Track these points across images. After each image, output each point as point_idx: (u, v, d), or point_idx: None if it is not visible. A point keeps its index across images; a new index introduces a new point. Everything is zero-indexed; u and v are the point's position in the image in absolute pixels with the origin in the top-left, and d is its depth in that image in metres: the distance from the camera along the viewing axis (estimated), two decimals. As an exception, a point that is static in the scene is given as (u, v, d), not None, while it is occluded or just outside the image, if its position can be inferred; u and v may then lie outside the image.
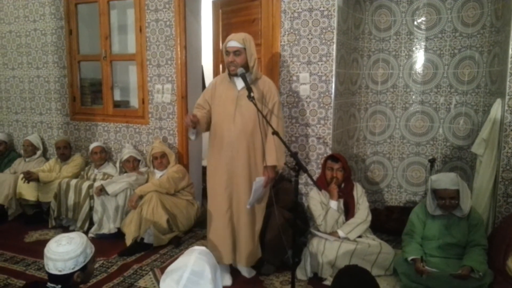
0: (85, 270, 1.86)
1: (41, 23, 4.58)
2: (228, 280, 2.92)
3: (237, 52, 2.71)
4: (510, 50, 2.98)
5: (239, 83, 2.79)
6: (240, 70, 2.67)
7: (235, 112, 2.78)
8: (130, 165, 3.91)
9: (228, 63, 2.74)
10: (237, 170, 2.81)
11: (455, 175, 2.70)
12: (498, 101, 3.09)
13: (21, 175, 3.96)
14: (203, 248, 1.64)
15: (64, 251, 1.78)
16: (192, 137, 2.86)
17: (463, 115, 3.78)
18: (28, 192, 4.06)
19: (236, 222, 2.88)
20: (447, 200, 2.65)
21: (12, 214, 4.18)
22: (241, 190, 2.82)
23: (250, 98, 2.49)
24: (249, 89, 2.54)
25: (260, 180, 2.75)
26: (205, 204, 3.11)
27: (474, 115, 3.66)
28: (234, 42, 2.72)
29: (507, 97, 3.02)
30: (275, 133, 2.42)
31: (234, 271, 3.01)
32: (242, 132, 2.77)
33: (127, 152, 3.97)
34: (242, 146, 2.78)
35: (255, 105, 2.52)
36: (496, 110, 3.08)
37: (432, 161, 3.71)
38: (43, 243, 3.47)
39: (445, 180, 2.67)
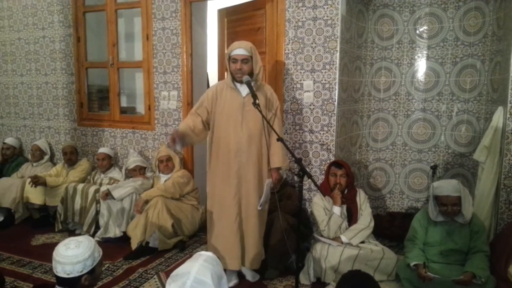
0: (93, 273, 1.87)
1: (50, 30, 4.67)
2: (234, 280, 2.98)
3: (244, 60, 2.77)
4: (511, 58, 3.03)
5: (243, 90, 2.84)
6: (246, 78, 2.72)
7: (242, 118, 2.83)
8: (137, 173, 3.96)
9: (236, 70, 2.79)
10: (247, 175, 2.86)
11: (457, 182, 2.73)
12: (500, 108, 3.13)
13: (29, 179, 4.03)
14: (210, 254, 1.65)
15: (72, 255, 1.80)
16: (178, 148, 2.88)
17: (464, 123, 3.81)
18: (35, 196, 4.12)
19: (245, 227, 2.92)
20: (449, 207, 2.68)
21: (19, 217, 4.24)
22: (251, 194, 2.87)
23: (256, 105, 2.54)
24: (254, 96, 2.59)
25: (269, 182, 2.86)
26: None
27: (476, 122, 3.69)
28: (242, 50, 2.77)
29: (509, 105, 3.06)
30: (280, 140, 2.47)
31: (238, 275, 3.04)
32: (251, 138, 2.83)
33: (133, 161, 4.00)
34: (252, 151, 2.85)
35: (260, 112, 2.57)
36: (498, 118, 3.11)
37: (434, 168, 3.74)
38: (50, 246, 3.53)
39: (447, 187, 2.69)
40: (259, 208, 2.87)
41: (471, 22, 3.71)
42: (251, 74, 2.80)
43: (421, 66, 3.96)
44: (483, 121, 3.58)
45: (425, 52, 3.93)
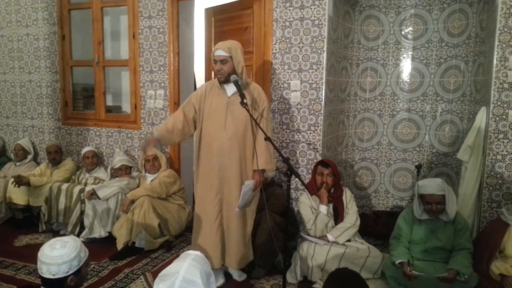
0: (79, 274, 1.86)
1: (34, 28, 4.59)
2: (221, 279, 2.97)
3: (223, 61, 2.76)
4: (494, 60, 3.09)
5: (229, 90, 2.84)
6: (233, 77, 2.72)
7: (226, 118, 2.83)
8: (122, 173, 3.93)
9: (216, 71, 2.81)
10: (229, 175, 2.85)
11: (441, 180, 2.78)
12: (483, 109, 3.19)
13: (12, 179, 3.95)
14: (198, 253, 1.64)
15: (58, 255, 1.78)
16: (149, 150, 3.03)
17: (448, 123, 3.88)
18: (18, 196, 4.05)
19: (226, 226, 2.91)
20: (433, 205, 2.72)
21: (2, 218, 4.16)
22: (233, 194, 2.86)
23: (243, 104, 2.54)
24: (242, 95, 2.60)
25: (249, 183, 2.81)
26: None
27: (459, 122, 3.76)
28: (220, 51, 2.77)
29: (491, 105, 3.13)
30: (267, 139, 2.48)
31: (225, 275, 3.05)
32: (234, 138, 2.82)
33: (119, 160, 3.97)
34: (234, 151, 2.83)
35: (248, 111, 2.58)
36: (481, 118, 3.18)
37: (418, 167, 3.79)
38: (33, 247, 3.48)
39: (432, 185, 2.74)
40: (237, 209, 2.85)
41: (455, 24, 3.78)
42: (234, 73, 2.78)
43: (406, 66, 4.02)
44: (467, 121, 3.64)
45: (410, 53, 3.99)
